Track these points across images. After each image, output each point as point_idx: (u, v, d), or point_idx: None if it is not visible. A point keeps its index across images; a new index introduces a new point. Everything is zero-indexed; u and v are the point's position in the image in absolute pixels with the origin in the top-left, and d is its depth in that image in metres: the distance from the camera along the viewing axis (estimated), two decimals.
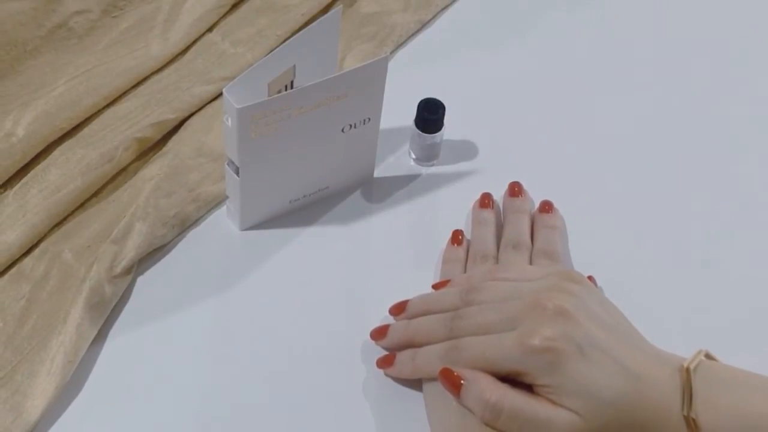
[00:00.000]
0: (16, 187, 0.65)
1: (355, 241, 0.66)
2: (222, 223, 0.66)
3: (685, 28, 0.84)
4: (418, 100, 0.68)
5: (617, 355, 0.51)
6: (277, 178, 0.63)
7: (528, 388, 0.52)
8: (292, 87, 0.64)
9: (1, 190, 0.65)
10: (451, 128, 0.70)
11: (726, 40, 0.83)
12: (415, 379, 0.58)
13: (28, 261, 0.62)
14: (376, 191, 0.69)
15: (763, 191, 0.71)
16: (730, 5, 0.86)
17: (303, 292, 0.63)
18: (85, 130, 0.69)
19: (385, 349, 0.60)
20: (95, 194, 0.66)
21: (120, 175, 0.68)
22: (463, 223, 0.67)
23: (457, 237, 0.65)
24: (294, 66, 0.63)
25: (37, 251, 0.63)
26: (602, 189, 0.71)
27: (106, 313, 0.60)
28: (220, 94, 0.61)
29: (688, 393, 0.50)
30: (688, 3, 0.86)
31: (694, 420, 0.50)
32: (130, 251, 0.62)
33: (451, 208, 0.68)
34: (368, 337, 0.60)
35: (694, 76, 0.80)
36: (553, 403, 0.51)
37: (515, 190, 0.68)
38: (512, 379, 0.53)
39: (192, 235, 0.66)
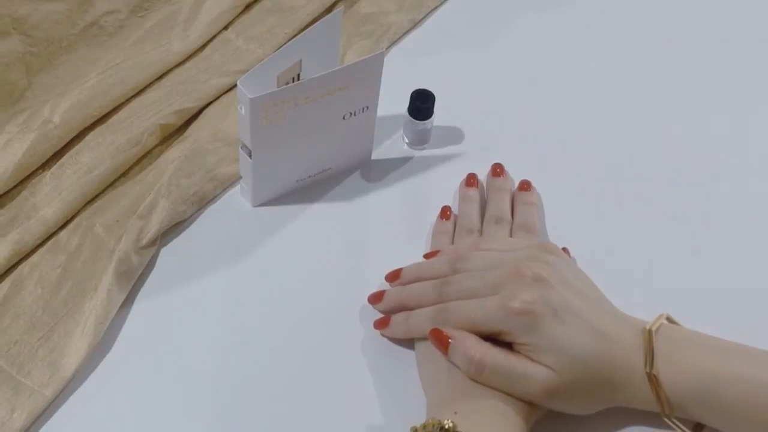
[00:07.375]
0: (53, 169, 0.65)
1: (355, 216, 0.65)
2: (236, 200, 0.66)
3: (662, 25, 0.82)
4: (411, 91, 0.67)
5: (588, 318, 0.51)
6: (286, 160, 0.63)
7: (508, 346, 0.52)
8: (298, 79, 0.63)
9: (40, 171, 0.65)
10: (441, 116, 0.69)
11: (714, 37, 0.81)
12: (408, 339, 0.57)
13: (63, 234, 0.62)
14: (374, 172, 0.68)
15: (729, 166, 0.70)
16: (719, 5, 0.84)
17: (308, 261, 0.62)
18: (115, 118, 0.68)
19: (381, 312, 0.59)
20: (123, 175, 0.66)
21: (145, 157, 0.67)
22: (451, 199, 0.67)
23: (445, 212, 0.65)
24: (300, 60, 0.62)
25: (71, 225, 0.62)
26: (575, 169, 0.70)
27: (133, 280, 0.60)
28: (235, 86, 0.61)
29: (650, 352, 0.50)
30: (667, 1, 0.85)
31: (655, 376, 0.49)
32: (155, 225, 0.61)
33: (440, 186, 0.67)
34: (366, 301, 0.60)
35: (669, 66, 0.78)
36: (531, 359, 0.50)
37: (497, 170, 0.67)
38: (494, 339, 0.52)
39: (209, 210, 0.65)
